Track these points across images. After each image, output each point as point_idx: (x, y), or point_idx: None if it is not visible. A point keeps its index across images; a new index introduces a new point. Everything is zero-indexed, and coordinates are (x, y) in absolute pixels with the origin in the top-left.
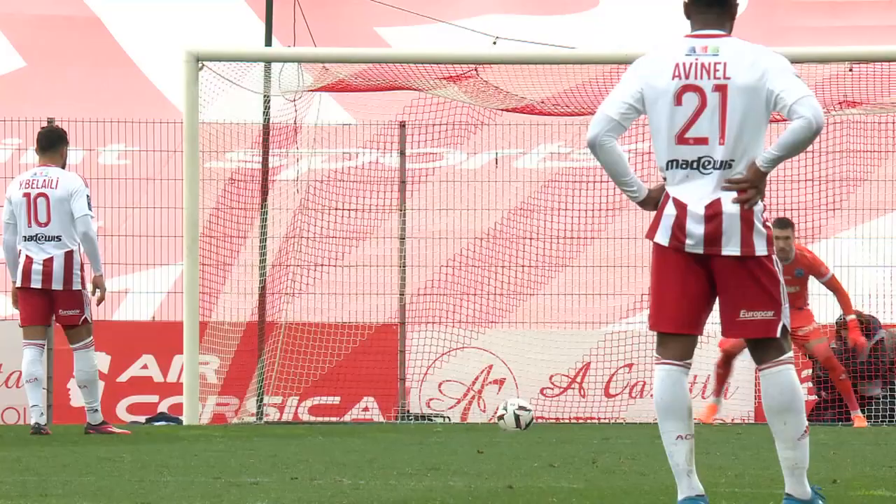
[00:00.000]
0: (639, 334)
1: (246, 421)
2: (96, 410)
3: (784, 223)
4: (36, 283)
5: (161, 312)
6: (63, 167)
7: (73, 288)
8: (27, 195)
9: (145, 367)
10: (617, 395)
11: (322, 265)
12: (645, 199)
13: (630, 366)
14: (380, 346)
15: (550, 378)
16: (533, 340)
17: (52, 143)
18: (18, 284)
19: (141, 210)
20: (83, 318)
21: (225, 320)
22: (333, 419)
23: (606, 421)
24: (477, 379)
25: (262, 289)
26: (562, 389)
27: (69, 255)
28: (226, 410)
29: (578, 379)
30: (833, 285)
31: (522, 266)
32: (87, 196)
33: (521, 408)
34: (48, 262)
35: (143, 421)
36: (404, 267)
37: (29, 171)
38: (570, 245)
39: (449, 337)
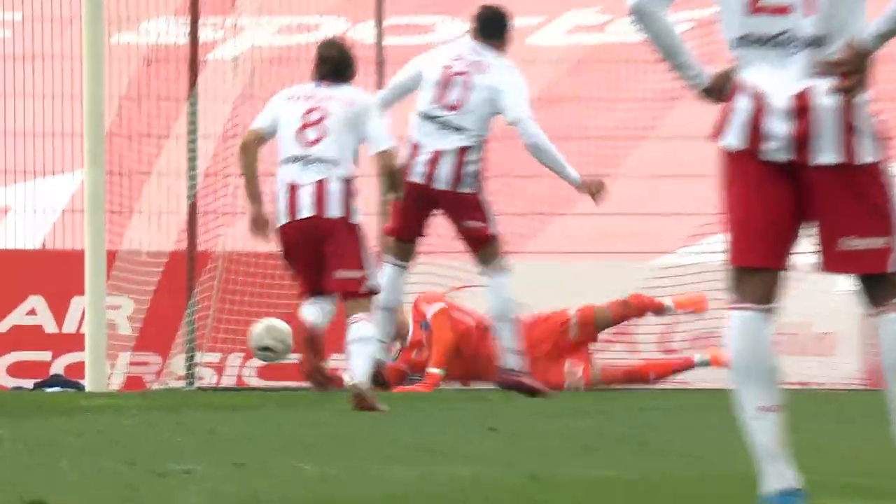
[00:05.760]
0: (704, 269)
1: (172, 386)
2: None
3: None
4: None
5: (53, 238)
6: None
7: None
8: None
9: (33, 312)
10: (677, 351)
11: (273, 174)
12: (708, 88)
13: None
14: None
15: None
16: (559, 276)
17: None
18: None
19: (27, 99)
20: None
21: (141, 249)
22: (291, 384)
23: (662, 386)
24: None
25: (192, 206)
26: (603, 343)
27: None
28: (144, 372)
29: (625, 329)
30: None
31: (543, 176)
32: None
33: (265, 348)
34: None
35: (31, 387)
36: None
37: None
38: (608, 149)
39: (451, 273)
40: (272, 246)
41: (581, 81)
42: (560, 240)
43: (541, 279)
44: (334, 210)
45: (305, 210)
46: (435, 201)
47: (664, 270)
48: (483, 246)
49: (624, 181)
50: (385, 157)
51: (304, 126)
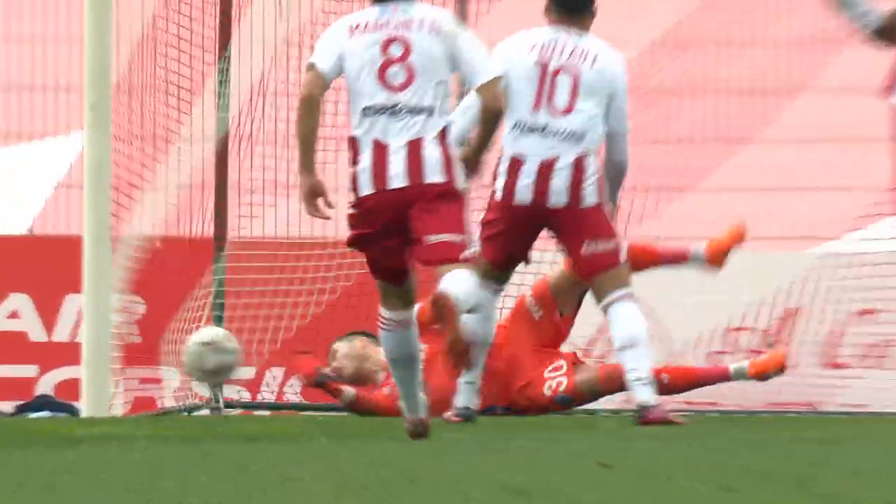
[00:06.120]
0: (877, 260)
1: (193, 407)
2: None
3: None
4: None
5: (44, 221)
6: None
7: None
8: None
9: (15, 315)
10: (847, 366)
11: (328, 138)
12: (880, 29)
13: (868, 313)
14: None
15: (726, 333)
16: (684, 268)
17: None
18: None
19: (11, 45)
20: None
21: (154, 234)
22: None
23: (828, 410)
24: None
25: (222, 181)
26: (745, 354)
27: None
28: (156, 391)
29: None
30: None
31: (668, 143)
32: None
33: (208, 343)
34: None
35: (12, 410)
36: None
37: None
38: (750, 106)
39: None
40: (324, 229)
41: (714, 21)
42: (686, 222)
43: (661, 270)
44: (435, 175)
45: (398, 179)
46: (548, 221)
47: (825, 261)
48: (608, 271)
49: (771, 147)
50: (488, 90)
51: (387, 64)
